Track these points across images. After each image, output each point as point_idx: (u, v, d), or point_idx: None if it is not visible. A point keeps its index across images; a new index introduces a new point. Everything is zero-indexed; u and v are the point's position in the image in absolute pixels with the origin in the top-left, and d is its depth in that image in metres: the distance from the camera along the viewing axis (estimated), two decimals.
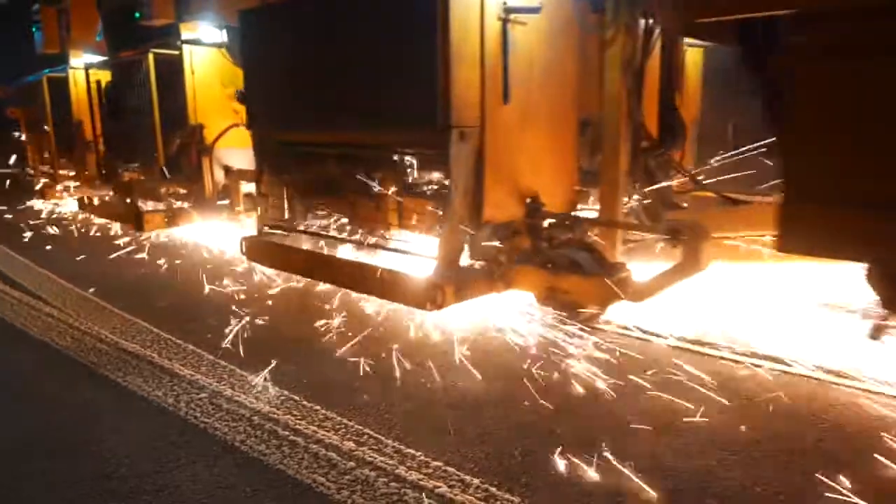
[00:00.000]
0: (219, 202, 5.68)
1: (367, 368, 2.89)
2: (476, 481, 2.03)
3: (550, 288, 3.16)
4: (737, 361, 2.87)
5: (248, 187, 5.35)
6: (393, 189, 3.78)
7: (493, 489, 1.99)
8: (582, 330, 3.13)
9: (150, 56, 5.75)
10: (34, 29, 8.97)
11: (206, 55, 5.69)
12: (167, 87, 5.81)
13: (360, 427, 2.39)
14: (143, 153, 6.21)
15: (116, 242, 5.86)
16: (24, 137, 10.29)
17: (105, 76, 7.04)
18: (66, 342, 3.40)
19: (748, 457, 2.15)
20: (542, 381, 2.72)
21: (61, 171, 8.91)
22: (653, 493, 1.95)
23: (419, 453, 2.20)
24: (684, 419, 2.38)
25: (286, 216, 4.39)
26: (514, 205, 3.31)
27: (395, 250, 3.59)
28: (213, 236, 5.71)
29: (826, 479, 1.97)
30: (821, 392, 2.59)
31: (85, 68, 7.37)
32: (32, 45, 9.11)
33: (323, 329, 3.40)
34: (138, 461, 2.23)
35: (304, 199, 4.39)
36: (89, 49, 7.87)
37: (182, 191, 6.18)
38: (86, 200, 7.28)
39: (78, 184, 8.25)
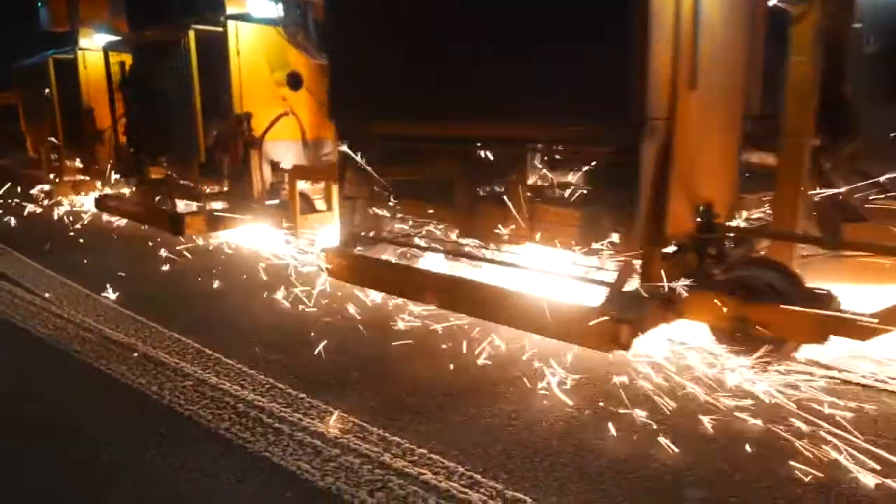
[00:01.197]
0: (267, 202, 5.04)
1: None
2: (461, 468, 2.04)
3: (738, 318, 2.58)
4: None
5: (302, 186, 4.93)
6: (528, 194, 3.09)
7: (478, 476, 2.00)
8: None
9: (192, 34, 4.85)
10: (39, 4, 7.94)
11: (253, 33, 4.92)
12: (206, 70, 5.02)
13: (345, 415, 2.40)
14: (176, 146, 5.38)
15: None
16: (22, 126, 9.14)
17: (120, 58, 6.32)
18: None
19: None
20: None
21: (67, 164, 7.95)
22: None
23: (404, 441, 2.21)
24: None
25: (371, 225, 3.69)
26: (688, 216, 2.74)
27: (536, 269, 3.00)
28: (264, 242, 5.03)
29: None
30: None
31: (104, 49, 6.36)
32: (34, 22, 8.06)
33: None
34: (122, 448, 2.22)
35: (403, 204, 3.62)
36: (102, 27, 7.11)
37: (219, 189, 5.42)
38: (104, 199, 6.53)
39: (87, 179, 7.49)
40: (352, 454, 2.13)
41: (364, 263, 3.53)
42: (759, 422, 2.27)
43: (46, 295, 3.98)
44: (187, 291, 4.09)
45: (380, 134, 3.47)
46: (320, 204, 5.13)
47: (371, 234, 3.70)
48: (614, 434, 2.24)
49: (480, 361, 2.84)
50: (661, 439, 2.18)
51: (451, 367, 2.79)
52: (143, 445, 2.22)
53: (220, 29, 4.85)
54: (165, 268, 4.62)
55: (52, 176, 7.90)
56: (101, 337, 3.24)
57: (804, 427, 2.22)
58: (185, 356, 2.98)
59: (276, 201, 5.05)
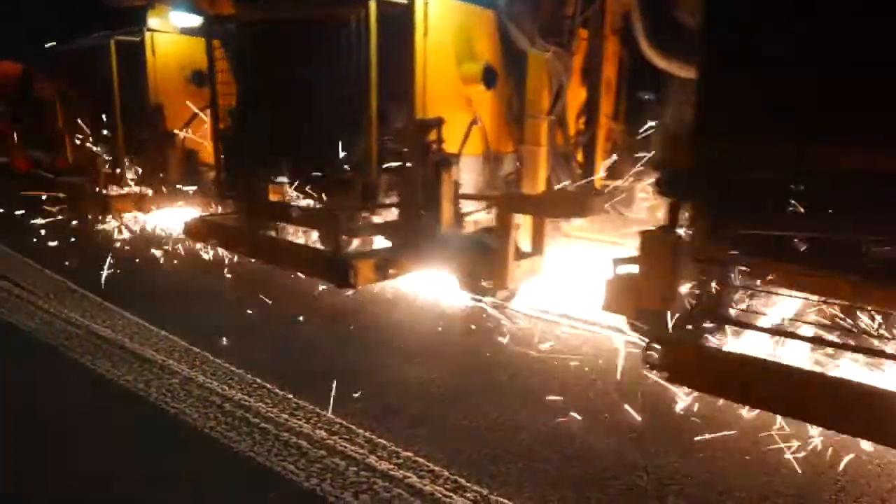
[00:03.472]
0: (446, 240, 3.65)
1: None
2: (446, 472, 2.05)
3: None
4: None
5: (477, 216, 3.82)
6: None
7: (462, 480, 2.01)
8: None
9: (373, 6, 3.43)
10: None
11: (446, 9, 3.61)
12: (380, 58, 3.60)
13: (332, 416, 2.40)
14: (316, 159, 3.87)
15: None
16: (59, 124, 7.14)
17: (194, 43, 5.33)
18: None
19: None
20: None
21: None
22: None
23: (390, 444, 2.21)
24: None
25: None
26: None
27: None
28: (448, 294, 3.79)
29: None
30: None
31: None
32: None
33: None
34: (107, 447, 2.21)
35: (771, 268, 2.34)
36: (181, 4, 5.78)
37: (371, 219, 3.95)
38: (199, 226, 4.65)
39: (147, 192, 5.79)
40: (338, 456, 2.14)
41: (729, 364, 2.27)
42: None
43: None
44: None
45: (762, 161, 2.29)
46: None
47: (712, 312, 2.44)
48: (600, 441, 2.26)
49: None
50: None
51: None
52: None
53: (404, 1, 3.49)
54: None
55: (104, 188, 5.90)
56: None
57: None
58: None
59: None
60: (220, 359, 2.90)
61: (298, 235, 4.67)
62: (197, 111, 5.34)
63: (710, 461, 2.15)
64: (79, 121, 6.42)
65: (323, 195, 4.02)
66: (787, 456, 2.14)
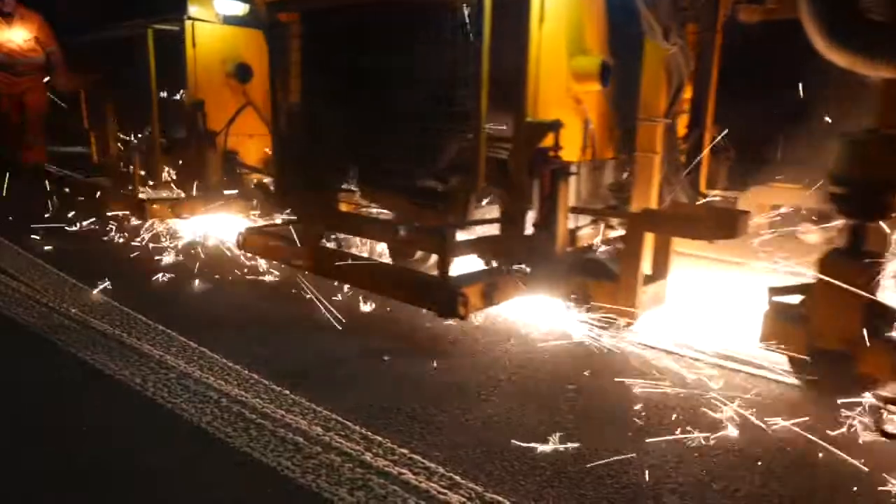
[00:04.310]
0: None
1: None
2: (441, 469, 2.05)
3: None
4: None
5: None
6: None
7: (457, 477, 2.01)
8: None
9: None
10: None
11: None
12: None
13: (328, 412, 2.40)
14: (398, 164, 3.41)
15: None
16: (84, 121, 6.60)
17: (237, 34, 5.02)
18: None
19: None
20: None
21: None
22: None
23: (386, 440, 2.21)
24: None
25: None
26: None
27: None
28: (562, 324, 3.22)
29: None
30: None
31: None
32: None
33: None
34: (103, 442, 2.22)
35: None
36: None
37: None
38: (258, 237, 4.01)
39: (180, 196, 5.23)
40: (333, 452, 2.14)
41: None
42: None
43: None
44: None
45: None
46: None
47: None
48: (594, 438, 2.26)
49: None
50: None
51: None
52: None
53: None
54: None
55: (137, 190, 5.20)
56: None
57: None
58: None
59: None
60: (218, 354, 2.90)
61: (361, 248, 4.27)
62: (254, 106, 5.05)
63: None
64: (106, 117, 6.04)
65: (398, 205, 3.59)
66: None
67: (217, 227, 5.12)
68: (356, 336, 3.20)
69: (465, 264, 3.26)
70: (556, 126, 3.01)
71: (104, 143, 6.23)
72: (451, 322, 3.27)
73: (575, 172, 3.14)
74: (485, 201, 3.33)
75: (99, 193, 5.65)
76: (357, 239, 4.24)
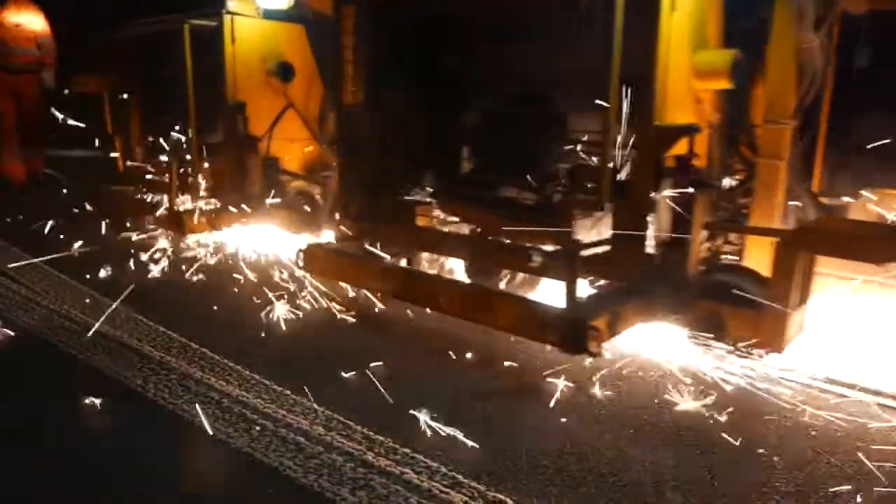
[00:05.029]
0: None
1: None
2: (443, 468, 2.05)
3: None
4: None
5: None
6: None
7: (460, 476, 2.01)
8: None
9: None
10: None
11: None
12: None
13: (330, 412, 2.40)
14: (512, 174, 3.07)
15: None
16: (108, 125, 5.94)
17: (279, 30, 4.70)
18: None
19: None
20: None
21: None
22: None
23: (388, 440, 2.21)
24: None
25: None
26: None
27: None
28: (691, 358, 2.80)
29: None
30: None
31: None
32: None
33: None
34: (104, 443, 2.21)
35: None
36: None
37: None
38: (323, 255, 3.50)
39: (215, 205, 4.79)
40: (335, 452, 2.14)
41: None
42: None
43: None
44: None
45: None
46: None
47: None
48: (597, 437, 2.26)
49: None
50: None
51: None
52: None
53: None
54: None
55: (176, 201, 4.60)
56: None
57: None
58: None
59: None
60: (218, 355, 2.89)
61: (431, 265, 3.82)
62: (295, 108, 4.73)
63: None
64: (132, 120, 5.59)
65: (483, 219, 3.20)
66: None
67: (256, 239, 4.69)
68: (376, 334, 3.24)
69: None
70: (692, 130, 2.67)
71: (129, 147, 5.75)
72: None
73: (718, 185, 2.81)
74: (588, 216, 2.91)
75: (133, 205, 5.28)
76: (423, 254, 3.71)
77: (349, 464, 2.07)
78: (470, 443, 2.19)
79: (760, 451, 2.17)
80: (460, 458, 2.12)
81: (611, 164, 2.64)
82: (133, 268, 4.24)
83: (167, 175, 4.67)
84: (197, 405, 2.42)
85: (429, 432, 2.26)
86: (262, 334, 3.18)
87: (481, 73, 3.11)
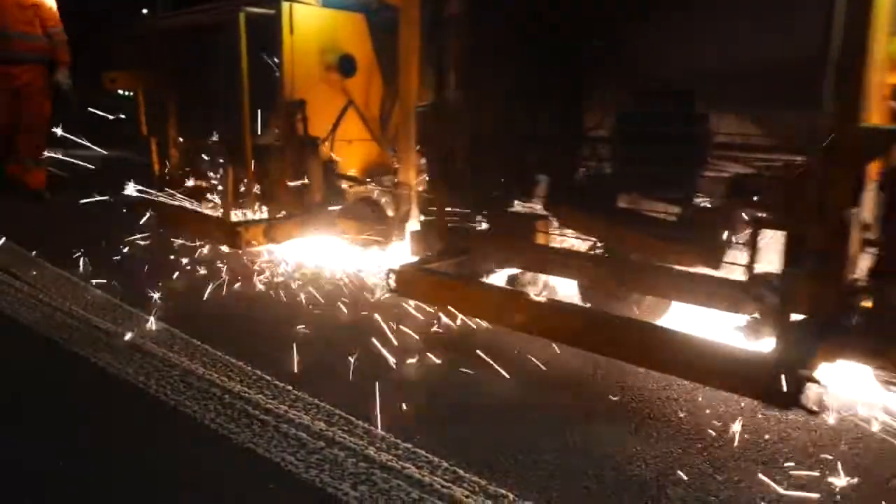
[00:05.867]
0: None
1: None
2: (445, 463, 2.05)
3: None
4: None
5: None
6: None
7: (461, 471, 2.01)
8: None
9: None
10: None
11: None
12: None
13: (332, 408, 2.40)
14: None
15: None
16: (142, 126, 5.25)
17: (339, 20, 4.25)
18: None
19: None
20: None
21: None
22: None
23: (389, 435, 2.21)
24: None
25: None
26: None
27: None
28: None
29: None
30: None
31: None
32: None
33: None
34: (105, 440, 2.22)
35: None
36: None
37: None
38: (422, 279, 3.01)
39: (271, 215, 4.34)
40: (336, 447, 2.14)
41: None
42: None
43: None
44: None
45: None
46: None
47: None
48: (601, 433, 2.26)
49: None
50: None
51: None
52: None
53: None
54: None
55: (230, 211, 4.22)
56: None
57: None
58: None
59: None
60: (220, 351, 2.90)
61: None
62: (355, 105, 4.27)
63: None
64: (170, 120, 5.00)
65: (616, 235, 2.71)
66: None
67: (320, 252, 4.23)
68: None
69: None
70: None
71: (165, 150, 5.14)
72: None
73: None
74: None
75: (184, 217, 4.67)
76: (528, 274, 3.16)
77: (351, 459, 2.06)
78: None
79: None
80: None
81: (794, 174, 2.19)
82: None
83: (217, 182, 4.29)
84: (198, 401, 2.43)
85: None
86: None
87: (616, 61, 2.61)
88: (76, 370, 2.75)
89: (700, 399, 2.45)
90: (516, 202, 3.09)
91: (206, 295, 3.65)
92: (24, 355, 2.95)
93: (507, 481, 1.97)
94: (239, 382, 2.60)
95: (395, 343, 2.90)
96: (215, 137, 4.64)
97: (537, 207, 3.01)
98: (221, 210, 4.33)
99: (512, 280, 3.15)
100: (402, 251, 3.68)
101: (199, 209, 4.72)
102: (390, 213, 3.84)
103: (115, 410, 2.42)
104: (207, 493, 1.94)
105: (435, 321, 3.06)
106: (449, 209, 3.19)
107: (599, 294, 2.97)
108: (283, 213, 4.27)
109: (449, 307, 2.91)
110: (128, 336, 3.02)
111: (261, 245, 4.12)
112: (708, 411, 2.37)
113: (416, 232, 3.43)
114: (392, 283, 3.06)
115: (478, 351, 2.77)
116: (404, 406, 2.39)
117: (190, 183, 4.92)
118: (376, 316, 3.15)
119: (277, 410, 2.37)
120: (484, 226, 3.18)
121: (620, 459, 2.09)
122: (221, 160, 4.49)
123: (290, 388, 2.55)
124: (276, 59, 4.09)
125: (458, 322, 2.96)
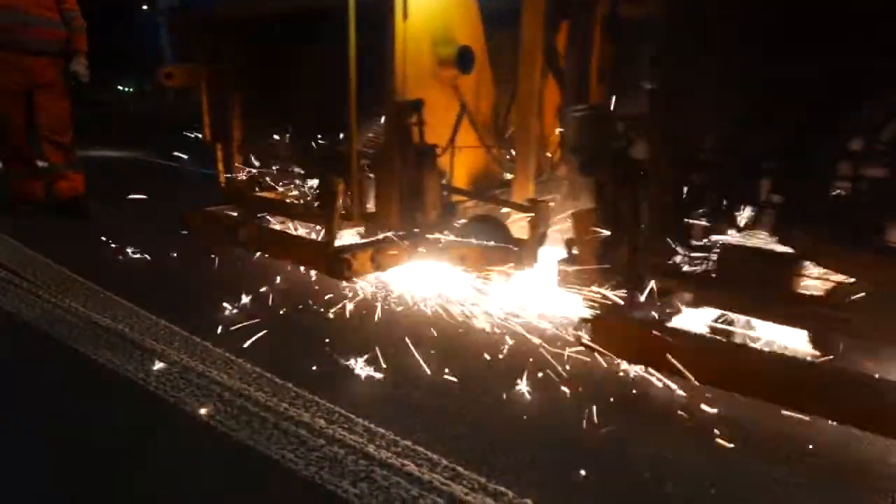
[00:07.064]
0: None
1: None
2: (444, 461, 2.05)
3: None
4: None
5: None
6: None
7: (461, 468, 2.01)
8: None
9: None
10: None
11: None
12: None
13: (331, 405, 2.40)
14: None
15: None
16: (205, 131, 4.36)
17: (453, 7, 3.46)
18: None
19: None
20: None
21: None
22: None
23: (389, 432, 2.21)
24: None
25: None
26: None
27: None
28: None
29: None
30: None
31: None
32: None
33: None
34: (105, 437, 2.22)
35: None
36: None
37: None
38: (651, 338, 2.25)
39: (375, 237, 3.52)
40: (336, 444, 2.14)
41: None
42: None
43: None
44: None
45: None
46: None
47: None
48: (600, 430, 2.26)
49: None
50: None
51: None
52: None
53: None
54: None
55: (335, 236, 3.39)
56: None
57: None
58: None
59: None
60: (221, 348, 2.90)
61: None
62: (467, 107, 3.59)
63: None
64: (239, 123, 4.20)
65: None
66: None
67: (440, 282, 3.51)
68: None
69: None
70: None
71: (231, 159, 4.38)
72: None
73: None
74: None
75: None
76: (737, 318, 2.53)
77: (350, 456, 2.07)
78: None
79: None
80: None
81: None
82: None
83: (318, 200, 3.54)
84: (198, 398, 2.43)
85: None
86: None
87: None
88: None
89: None
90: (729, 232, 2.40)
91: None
92: (22, 351, 2.95)
93: (506, 479, 1.97)
94: (239, 380, 2.61)
95: None
96: (307, 143, 3.87)
97: (759, 238, 2.35)
98: (314, 229, 3.71)
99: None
100: (538, 282, 3.19)
101: (286, 229, 4.08)
102: (517, 234, 3.29)
103: (114, 408, 2.42)
104: (207, 491, 1.94)
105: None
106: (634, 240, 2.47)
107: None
108: (390, 233, 3.46)
109: (698, 379, 2.19)
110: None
111: (367, 273, 3.40)
112: None
113: (535, 254, 2.93)
114: (587, 336, 2.47)
115: None
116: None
117: (268, 195, 4.21)
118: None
119: (277, 408, 2.37)
120: (692, 260, 2.46)
121: (620, 457, 2.09)
122: (317, 171, 3.80)
123: (289, 385, 2.55)
124: (387, 51, 3.28)
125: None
